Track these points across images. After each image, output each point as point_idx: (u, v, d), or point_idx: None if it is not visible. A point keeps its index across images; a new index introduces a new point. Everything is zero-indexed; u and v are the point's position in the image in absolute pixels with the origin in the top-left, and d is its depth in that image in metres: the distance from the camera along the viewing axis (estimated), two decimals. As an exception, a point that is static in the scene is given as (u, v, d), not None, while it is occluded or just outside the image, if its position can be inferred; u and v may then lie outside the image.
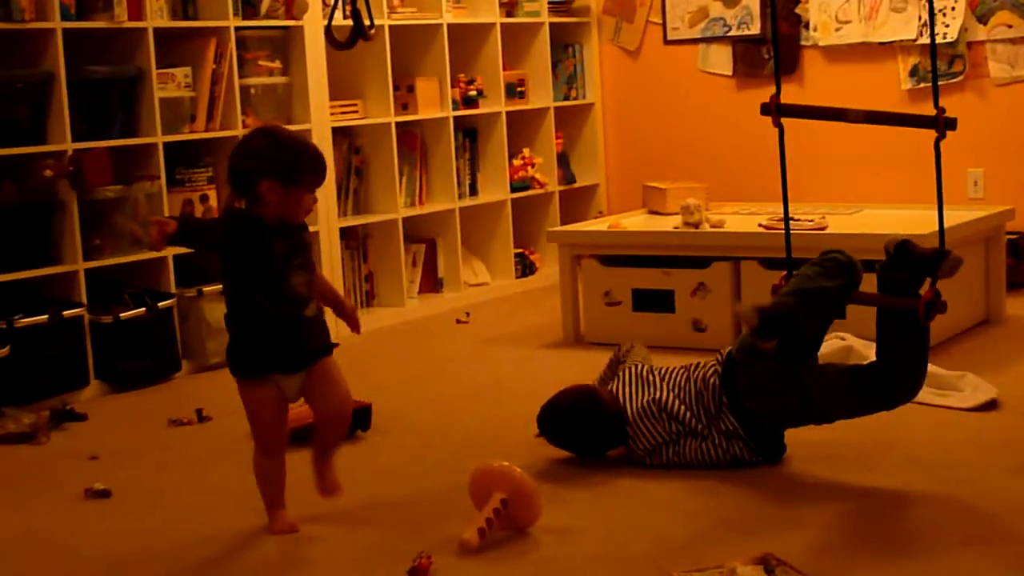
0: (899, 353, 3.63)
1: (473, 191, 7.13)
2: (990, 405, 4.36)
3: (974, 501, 3.50)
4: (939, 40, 6.65)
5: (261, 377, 3.45)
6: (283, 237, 3.40)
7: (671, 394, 3.86)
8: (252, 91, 5.92)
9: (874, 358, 3.72)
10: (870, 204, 6.07)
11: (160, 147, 5.47)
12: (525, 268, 7.29)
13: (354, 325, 3.70)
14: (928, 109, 3.64)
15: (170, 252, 5.42)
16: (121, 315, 5.25)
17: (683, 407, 3.82)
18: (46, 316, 5.04)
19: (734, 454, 3.81)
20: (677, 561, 3.07)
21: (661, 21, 7.43)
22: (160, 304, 5.39)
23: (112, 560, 3.41)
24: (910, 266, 3.64)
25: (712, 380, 3.83)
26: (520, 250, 7.29)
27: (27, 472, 4.26)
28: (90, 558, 3.44)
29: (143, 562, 3.39)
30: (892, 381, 3.63)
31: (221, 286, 3.55)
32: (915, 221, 5.26)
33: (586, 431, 3.92)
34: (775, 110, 3.81)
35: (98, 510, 3.83)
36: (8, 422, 4.66)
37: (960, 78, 6.66)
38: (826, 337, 4.78)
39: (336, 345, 3.56)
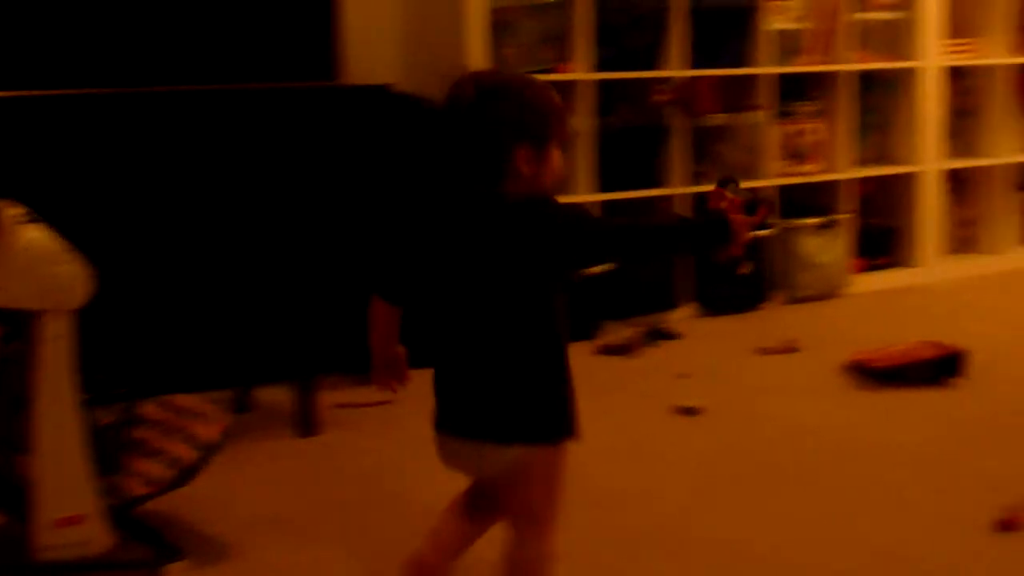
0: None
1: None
2: None
3: None
4: None
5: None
6: None
7: None
8: (865, 25, 5.85)
9: None
10: None
11: (769, 78, 5.52)
12: None
13: None
14: None
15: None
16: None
17: None
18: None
19: None
20: None
21: None
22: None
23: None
24: None
25: None
26: None
27: (620, 384, 4.45)
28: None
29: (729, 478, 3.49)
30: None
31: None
32: None
33: None
34: None
35: (688, 425, 3.96)
36: (608, 335, 4.91)
37: None
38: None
39: None
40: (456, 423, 2.30)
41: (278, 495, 3.42)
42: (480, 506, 2.40)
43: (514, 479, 2.28)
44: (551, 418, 2.28)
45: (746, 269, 2.80)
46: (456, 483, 2.41)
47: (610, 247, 2.33)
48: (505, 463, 2.26)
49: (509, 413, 2.24)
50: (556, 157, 2.26)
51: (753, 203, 2.34)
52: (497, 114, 2.20)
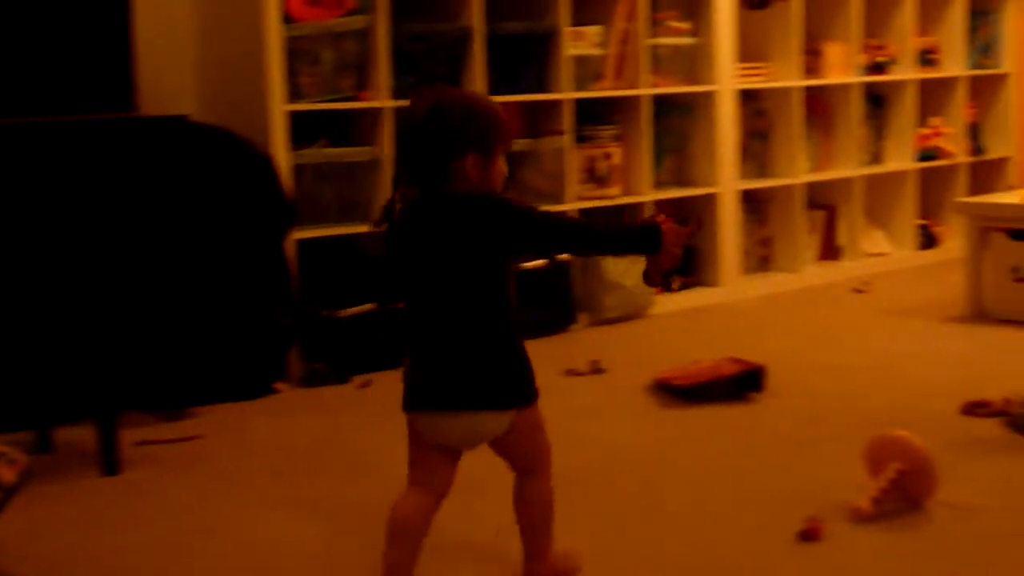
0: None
1: (877, 159, 6.97)
2: None
3: None
4: None
5: None
6: None
7: None
8: (660, 51, 5.97)
9: None
10: None
11: (569, 103, 5.59)
12: (927, 240, 7.09)
13: None
14: None
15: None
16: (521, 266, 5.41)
17: None
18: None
19: None
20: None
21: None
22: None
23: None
24: None
25: None
26: (923, 221, 7.09)
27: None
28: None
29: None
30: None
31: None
32: None
33: None
34: None
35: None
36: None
37: None
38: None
39: None
40: (444, 399, 2.65)
41: (82, 535, 3.34)
42: (427, 478, 2.72)
43: (513, 437, 2.72)
44: (529, 382, 2.72)
45: (675, 283, 2.96)
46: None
47: (554, 236, 2.69)
48: (502, 427, 2.68)
49: (499, 383, 2.65)
50: (501, 164, 2.65)
51: (684, 220, 2.57)
52: (448, 125, 2.58)
